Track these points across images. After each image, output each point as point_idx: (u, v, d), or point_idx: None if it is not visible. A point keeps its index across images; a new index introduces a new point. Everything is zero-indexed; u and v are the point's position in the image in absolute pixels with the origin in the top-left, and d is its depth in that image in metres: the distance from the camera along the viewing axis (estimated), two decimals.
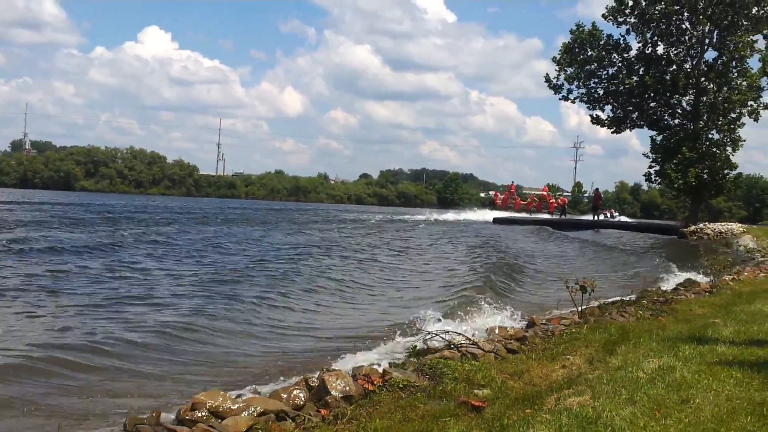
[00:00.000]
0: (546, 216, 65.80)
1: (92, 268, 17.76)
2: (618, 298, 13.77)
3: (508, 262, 23.30)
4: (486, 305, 12.93)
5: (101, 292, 14.13)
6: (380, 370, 7.21)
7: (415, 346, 8.66)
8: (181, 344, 10.02)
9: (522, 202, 76.43)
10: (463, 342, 8.36)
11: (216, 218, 49.58)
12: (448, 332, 8.88)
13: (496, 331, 9.70)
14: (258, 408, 6.17)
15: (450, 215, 71.55)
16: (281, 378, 8.22)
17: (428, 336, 8.92)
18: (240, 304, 13.32)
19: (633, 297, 13.96)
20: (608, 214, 68.87)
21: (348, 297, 15.45)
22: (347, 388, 6.61)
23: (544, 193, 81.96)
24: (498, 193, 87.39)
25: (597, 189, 66.58)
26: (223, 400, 6.24)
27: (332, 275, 18.48)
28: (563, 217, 64.90)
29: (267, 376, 8.51)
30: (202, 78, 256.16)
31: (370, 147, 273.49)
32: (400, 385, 6.74)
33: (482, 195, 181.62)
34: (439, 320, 10.92)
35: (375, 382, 6.83)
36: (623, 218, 72.12)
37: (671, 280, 18.54)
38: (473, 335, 9.01)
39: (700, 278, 18.18)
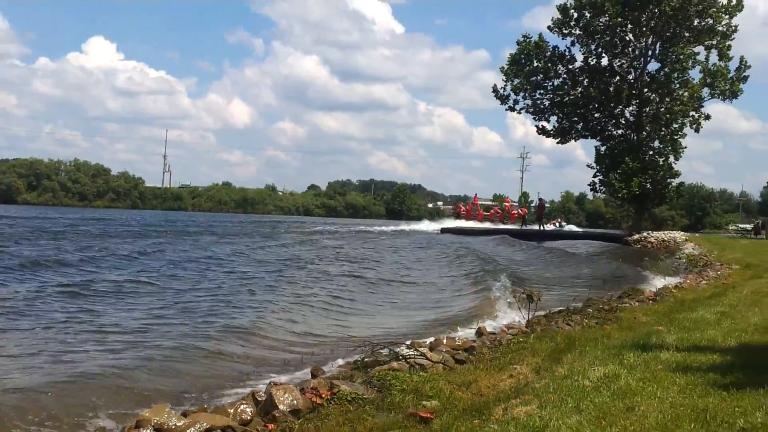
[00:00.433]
0: (493, 225, 66.32)
1: (28, 284, 17.37)
2: (564, 307, 13.91)
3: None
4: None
5: (41, 309, 13.81)
6: (328, 382, 7.17)
7: (363, 358, 8.63)
8: (126, 358, 9.84)
9: (485, 213, 77.56)
10: (411, 353, 8.35)
11: (156, 233, 48.85)
12: (395, 343, 8.87)
13: (444, 341, 9.71)
14: (204, 424, 6.09)
15: (416, 225, 72.63)
16: (228, 392, 8.14)
17: (376, 347, 8.89)
18: (187, 317, 13.15)
19: (579, 305, 14.12)
20: (556, 224, 69.68)
21: (297, 310, 15.30)
22: (295, 402, 6.56)
23: (507, 204, 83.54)
24: (462, 205, 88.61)
25: (541, 199, 67.31)
26: (169, 417, 6.15)
27: (286, 287, 18.36)
28: (524, 227, 65.31)
29: (214, 390, 8.41)
30: (148, 89, 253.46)
31: (318, 158, 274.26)
32: (349, 398, 6.71)
33: (430, 206, 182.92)
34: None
35: (323, 396, 6.78)
36: (571, 227, 73.11)
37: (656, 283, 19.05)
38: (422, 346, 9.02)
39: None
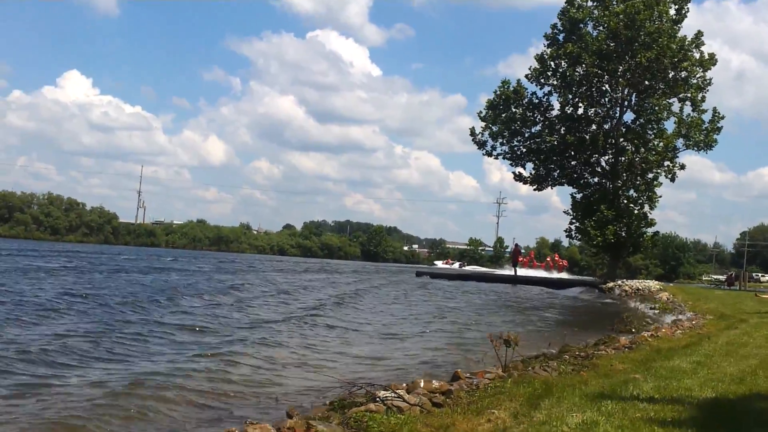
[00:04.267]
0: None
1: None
2: (540, 352, 13.87)
3: None
4: None
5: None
6: (305, 423, 7.08)
7: (340, 399, 8.55)
8: (95, 399, 9.67)
9: (538, 264, 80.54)
10: (388, 395, 8.28)
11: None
12: (372, 385, 8.79)
13: (421, 384, 9.64)
14: None
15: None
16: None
17: (353, 388, 8.82)
18: (158, 352, 12.99)
19: (554, 351, 14.10)
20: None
21: (274, 348, 15.11)
22: None
23: (557, 257, 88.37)
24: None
25: (517, 244, 68.05)
26: None
27: (265, 325, 18.17)
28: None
29: (188, 430, 8.28)
30: (124, 124, 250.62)
31: (294, 198, 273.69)
32: None
33: (405, 249, 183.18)
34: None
35: None
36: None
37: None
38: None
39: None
